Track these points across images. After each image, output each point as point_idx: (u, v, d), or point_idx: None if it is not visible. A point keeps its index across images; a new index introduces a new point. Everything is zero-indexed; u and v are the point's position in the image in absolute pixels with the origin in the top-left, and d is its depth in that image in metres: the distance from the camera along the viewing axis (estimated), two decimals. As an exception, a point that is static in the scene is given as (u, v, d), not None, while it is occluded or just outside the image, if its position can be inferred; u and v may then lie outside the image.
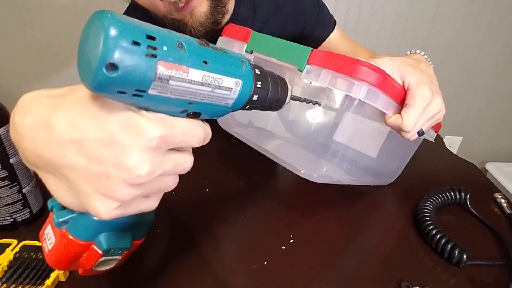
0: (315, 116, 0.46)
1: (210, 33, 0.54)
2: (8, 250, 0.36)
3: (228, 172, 0.53)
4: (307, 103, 0.33)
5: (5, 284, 0.32)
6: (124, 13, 0.64)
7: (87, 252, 0.24)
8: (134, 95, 0.18)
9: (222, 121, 0.50)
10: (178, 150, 0.22)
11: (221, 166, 0.55)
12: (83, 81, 0.17)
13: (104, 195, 0.19)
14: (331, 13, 0.73)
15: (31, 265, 0.34)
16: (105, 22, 0.16)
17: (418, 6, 1.19)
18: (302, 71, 0.35)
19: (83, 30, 0.17)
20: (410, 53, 0.44)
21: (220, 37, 0.49)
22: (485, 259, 0.39)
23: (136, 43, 0.16)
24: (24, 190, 0.39)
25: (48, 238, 0.25)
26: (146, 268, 0.35)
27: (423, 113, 0.35)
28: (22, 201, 0.40)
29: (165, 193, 0.48)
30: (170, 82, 0.18)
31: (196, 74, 0.19)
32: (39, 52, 1.13)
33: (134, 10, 0.62)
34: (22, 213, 0.40)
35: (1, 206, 0.38)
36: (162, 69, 0.17)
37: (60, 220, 0.23)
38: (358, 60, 0.32)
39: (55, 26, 1.07)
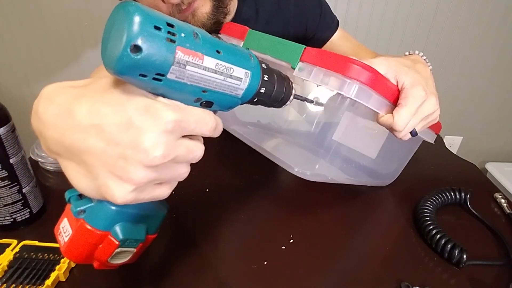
0: (307, 114, 0.46)
1: (212, 34, 0.54)
2: (8, 250, 0.36)
3: (228, 172, 0.53)
4: (308, 102, 0.34)
5: (5, 284, 0.32)
6: None
7: (103, 243, 0.25)
8: (154, 78, 0.19)
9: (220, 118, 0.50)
10: (190, 138, 0.23)
11: (221, 166, 0.55)
12: (107, 66, 0.18)
13: (120, 178, 0.20)
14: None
15: (31, 265, 0.34)
16: (130, 9, 0.18)
17: (418, 6, 1.19)
18: (295, 69, 0.35)
19: (108, 19, 0.19)
20: (409, 54, 0.44)
21: (218, 35, 0.49)
22: (485, 259, 0.39)
23: (157, 28, 0.18)
24: (24, 190, 0.39)
25: (64, 231, 0.25)
26: (146, 268, 0.35)
27: (415, 113, 0.35)
28: (22, 201, 0.40)
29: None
30: (187, 67, 0.20)
31: (210, 62, 0.21)
32: (39, 52, 1.13)
33: None
34: (22, 213, 0.40)
35: (1, 206, 0.38)
36: (180, 54, 0.19)
37: (78, 209, 0.24)
38: (349, 58, 0.32)
39: (55, 26, 1.07)
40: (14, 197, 0.39)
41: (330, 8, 0.72)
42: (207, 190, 0.48)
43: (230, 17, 0.60)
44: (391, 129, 0.36)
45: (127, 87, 0.21)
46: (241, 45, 0.43)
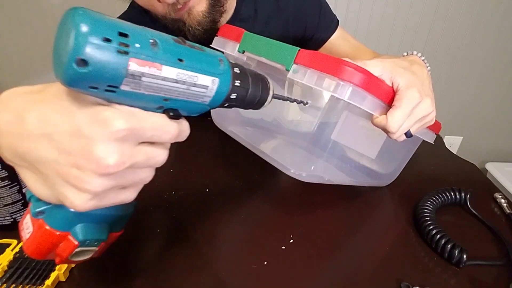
0: (301, 114, 0.46)
1: (209, 32, 0.54)
2: (8, 250, 0.36)
3: (228, 172, 0.53)
4: (291, 102, 0.33)
5: (5, 284, 0.32)
6: (123, 13, 0.64)
7: (63, 242, 0.24)
8: (106, 90, 0.18)
9: (217, 120, 0.50)
10: (152, 143, 0.22)
11: (221, 166, 0.55)
12: (56, 76, 0.18)
13: (76, 187, 0.20)
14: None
15: (31, 265, 0.34)
16: (77, 18, 0.16)
17: (418, 6, 1.19)
18: (289, 71, 0.36)
19: (58, 26, 0.18)
20: (407, 54, 0.44)
21: (215, 37, 0.49)
22: (485, 259, 0.39)
23: (107, 40, 0.17)
24: (24, 190, 0.39)
25: (26, 227, 0.25)
26: (146, 268, 0.35)
27: (410, 115, 0.36)
28: (22, 201, 0.39)
29: (165, 193, 0.48)
30: (143, 78, 0.19)
31: (170, 72, 0.20)
32: (39, 52, 1.13)
33: (135, 11, 0.62)
34: (22, 213, 0.40)
35: (1, 206, 0.38)
36: (134, 66, 0.18)
37: (37, 210, 0.23)
38: (343, 60, 0.32)
39: (55, 26, 1.07)
40: (14, 197, 0.39)
41: (329, 7, 0.71)
42: (207, 190, 0.48)
43: (227, 16, 0.60)
44: (385, 131, 0.36)
45: (79, 94, 0.20)
46: (237, 48, 0.43)
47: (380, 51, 0.68)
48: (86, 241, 0.25)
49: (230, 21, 0.62)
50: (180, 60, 0.20)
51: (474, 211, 0.46)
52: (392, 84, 0.36)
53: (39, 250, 0.25)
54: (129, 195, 0.23)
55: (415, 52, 0.44)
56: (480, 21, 1.22)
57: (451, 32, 1.24)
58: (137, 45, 0.18)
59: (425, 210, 0.43)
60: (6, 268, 0.34)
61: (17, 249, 0.36)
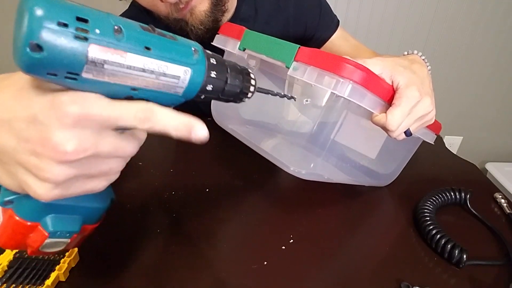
0: (301, 114, 0.46)
1: (211, 31, 0.54)
2: (8, 250, 0.36)
3: (228, 172, 0.53)
4: (280, 97, 0.33)
5: (5, 284, 0.32)
6: (123, 13, 0.64)
7: (33, 233, 0.24)
8: (67, 77, 0.18)
9: (217, 118, 0.50)
10: (122, 132, 0.22)
11: (221, 166, 0.55)
12: (15, 62, 0.17)
13: (36, 176, 0.20)
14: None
15: (31, 265, 0.34)
16: (31, 1, 0.16)
17: (418, 6, 1.19)
18: (289, 68, 0.36)
19: (16, 10, 0.17)
20: (407, 53, 0.44)
21: (217, 35, 0.49)
22: (485, 259, 0.39)
23: (63, 24, 0.16)
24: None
25: None
26: (145, 268, 0.35)
27: (409, 114, 0.36)
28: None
29: (165, 193, 0.48)
30: (106, 66, 0.18)
31: (135, 60, 0.19)
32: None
33: (135, 10, 0.62)
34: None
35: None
36: (94, 52, 0.17)
37: (5, 199, 0.23)
38: (343, 58, 0.32)
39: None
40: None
41: (330, 7, 0.72)
42: (207, 190, 0.48)
43: (229, 15, 0.60)
44: (384, 129, 0.36)
45: (41, 82, 0.19)
46: (238, 45, 0.43)
47: (380, 51, 0.68)
48: (56, 232, 0.24)
49: (231, 21, 0.62)
50: (147, 48, 0.19)
51: (474, 211, 0.46)
52: (392, 82, 0.36)
53: (10, 241, 0.24)
54: (97, 184, 0.23)
55: (415, 52, 0.44)
56: (480, 21, 1.22)
57: (451, 32, 1.24)
58: (97, 31, 0.17)
59: (425, 210, 0.43)
60: (6, 268, 0.34)
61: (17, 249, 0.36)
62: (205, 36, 0.54)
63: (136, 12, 0.60)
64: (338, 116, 0.37)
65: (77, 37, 0.17)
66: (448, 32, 1.24)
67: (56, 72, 0.17)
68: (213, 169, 0.53)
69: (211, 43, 0.49)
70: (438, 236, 0.39)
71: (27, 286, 0.32)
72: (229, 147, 0.59)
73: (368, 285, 0.35)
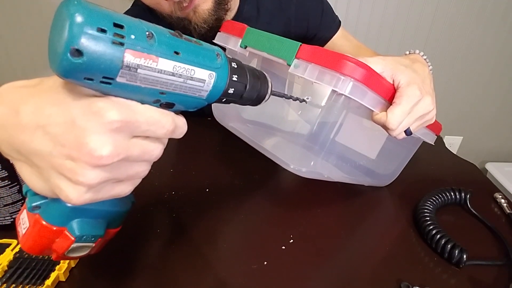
0: (304, 112, 0.46)
1: (214, 30, 0.54)
2: (8, 250, 0.36)
3: (228, 172, 0.53)
4: (293, 100, 0.34)
5: (5, 284, 0.32)
6: (126, 12, 0.64)
7: (59, 238, 0.24)
8: (102, 82, 0.18)
9: (218, 116, 0.50)
10: (147, 137, 0.22)
11: (221, 166, 0.55)
12: (51, 67, 0.17)
13: (70, 180, 0.20)
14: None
15: (31, 265, 0.34)
16: (72, 9, 0.16)
17: (418, 6, 1.19)
18: (290, 65, 0.36)
19: (54, 17, 0.18)
20: (409, 53, 0.44)
21: (218, 32, 0.49)
22: (485, 259, 0.39)
23: (102, 30, 0.17)
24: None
25: (23, 222, 0.25)
26: (146, 268, 0.35)
27: (410, 113, 0.35)
28: (22, 201, 0.39)
29: (165, 193, 0.48)
30: (139, 70, 0.19)
31: (166, 64, 0.20)
32: (39, 51, 1.13)
33: (138, 9, 0.62)
34: (22, 213, 0.40)
35: (1, 206, 0.38)
36: (129, 57, 0.18)
37: (33, 205, 0.23)
38: (344, 55, 0.32)
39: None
40: (14, 197, 0.39)
41: (331, 8, 0.72)
42: (207, 190, 0.48)
43: (231, 14, 0.60)
44: (385, 127, 0.36)
45: (74, 87, 0.20)
46: (239, 43, 0.43)
47: (380, 51, 0.68)
48: (82, 236, 0.25)
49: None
50: (177, 53, 0.20)
51: (474, 211, 0.46)
52: (393, 81, 0.36)
53: (35, 246, 0.24)
54: (124, 189, 0.23)
55: (417, 51, 0.44)
56: (480, 21, 1.22)
57: (451, 32, 1.24)
58: (133, 37, 0.18)
59: (425, 210, 0.43)
60: (6, 268, 0.34)
61: (17, 249, 0.36)
62: (208, 35, 0.54)
63: (139, 11, 0.60)
64: (338, 116, 0.37)
65: (114, 43, 0.17)
66: (448, 32, 1.24)
67: (93, 77, 0.18)
68: (213, 169, 0.53)
69: (213, 40, 0.50)
70: (438, 236, 0.39)
71: (27, 286, 0.32)
72: (229, 147, 0.59)
73: (368, 285, 0.35)
